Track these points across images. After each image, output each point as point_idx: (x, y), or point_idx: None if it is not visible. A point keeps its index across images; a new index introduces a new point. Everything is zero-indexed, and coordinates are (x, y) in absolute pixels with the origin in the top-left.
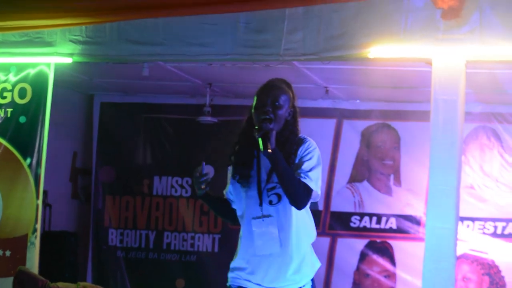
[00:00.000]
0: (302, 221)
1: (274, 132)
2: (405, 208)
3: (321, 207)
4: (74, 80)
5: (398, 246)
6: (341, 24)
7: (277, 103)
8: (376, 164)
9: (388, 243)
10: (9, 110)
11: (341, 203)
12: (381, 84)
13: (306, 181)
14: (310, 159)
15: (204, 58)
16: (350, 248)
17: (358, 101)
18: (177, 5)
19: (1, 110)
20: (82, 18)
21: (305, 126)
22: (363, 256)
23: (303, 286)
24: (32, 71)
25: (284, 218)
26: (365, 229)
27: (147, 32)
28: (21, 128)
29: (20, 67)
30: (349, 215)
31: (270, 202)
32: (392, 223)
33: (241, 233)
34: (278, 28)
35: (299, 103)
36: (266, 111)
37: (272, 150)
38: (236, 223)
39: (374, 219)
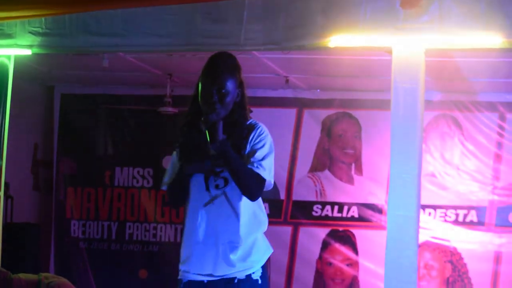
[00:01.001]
0: (251, 207)
1: (221, 123)
2: (367, 197)
3: (282, 196)
4: (34, 71)
5: (360, 234)
6: (301, 13)
7: (223, 90)
8: (337, 153)
9: (350, 232)
10: None
11: (303, 192)
12: (341, 74)
13: (259, 171)
14: (263, 146)
15: (164, 49)
16: (312, 237)
17: (318, 90)
18: None
19: None
20: (42, 9)
21: (266, 115)
22: (325, 245)
23: (253, 273)
24: None
25: (231, 202)
26: (327, 217)
27: (106, 23)
28: None
29: None
30: (311, 204)
31: (217, 186)
32: (354, 212)
33: (185, 222)
34: (237, 18)
35: (260, 93)
36: (212, 102)
37: (220, 142)
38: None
39: (336, 208)
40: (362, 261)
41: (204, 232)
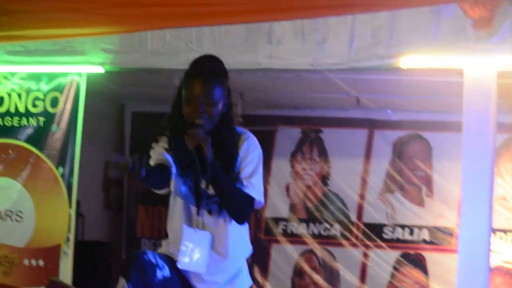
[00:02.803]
0: (240, 232)
1: (209, 141)
2: (438, 220)
3: (353, 218)
4: (105, 89)
5: (431, 257)
6: (372, 34)
7: (211, 100)
8: (408, 175)
9: (421, 255)
10: (41, 119)
11: (373, 215)
12: (412, 94)
13: (249, 190)
14: (251, 161)
15: (236, 68)
16: (383, 260)
17: (389, 111)
18: (211, 14)
19: (33, 119)
20: (114, 27)
21: (336, 136)
22: (396, 268)
23: None
24: (63, 80)
25: (224, 230)
26: (398, 240)
27: (179, 41)
28: (53, 137)
29: (51, 76)
30: (382, 226)
31: (210, 212)
32: (425, 235)
33: (171, 220)
34: (309, 38)
35: (331, 113)
36: (198, 113)
37: (210, 167)
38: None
39: (407, 230)
40: (433, 285)
41: (182, 259)
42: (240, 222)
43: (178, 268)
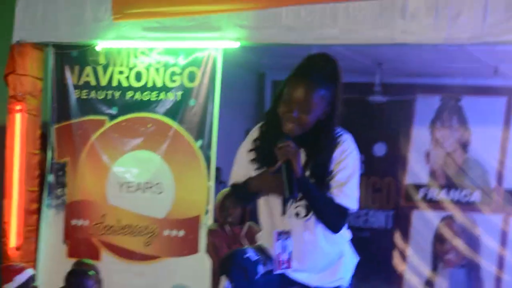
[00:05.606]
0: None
1: (299, 156)
2: None
3: (493, 184)
4: (244, 60)
5: None
6: (506, 7)
7: (308, 108)
8: None
9: None
10: (179, 93)
11: None
12: None
13: (341, 199)
14: (345, 167)
15: (370, 43)
16: None
17: None
18: None
19: (171, 93)
20: (249, 3)
21: (476, 104)
22: None
23: (339, 286)
24: (200, 55)
25: (313, 231)
26: None
27: (313, 17)
28: (191, 111)
29: (188, 51)
30: None
31: (297, 215)
32: None
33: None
34: (443, 13)
35: (470, 81)
36: (290, 117)
37: (296, 183)
38: None
39: None
40: None
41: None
42: (334, 232)
43: None
